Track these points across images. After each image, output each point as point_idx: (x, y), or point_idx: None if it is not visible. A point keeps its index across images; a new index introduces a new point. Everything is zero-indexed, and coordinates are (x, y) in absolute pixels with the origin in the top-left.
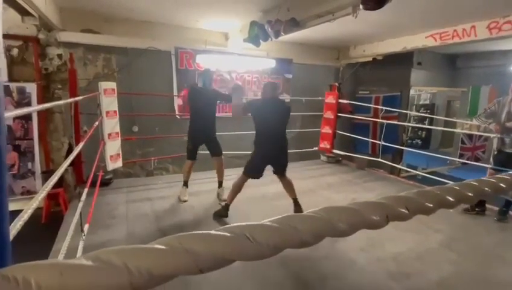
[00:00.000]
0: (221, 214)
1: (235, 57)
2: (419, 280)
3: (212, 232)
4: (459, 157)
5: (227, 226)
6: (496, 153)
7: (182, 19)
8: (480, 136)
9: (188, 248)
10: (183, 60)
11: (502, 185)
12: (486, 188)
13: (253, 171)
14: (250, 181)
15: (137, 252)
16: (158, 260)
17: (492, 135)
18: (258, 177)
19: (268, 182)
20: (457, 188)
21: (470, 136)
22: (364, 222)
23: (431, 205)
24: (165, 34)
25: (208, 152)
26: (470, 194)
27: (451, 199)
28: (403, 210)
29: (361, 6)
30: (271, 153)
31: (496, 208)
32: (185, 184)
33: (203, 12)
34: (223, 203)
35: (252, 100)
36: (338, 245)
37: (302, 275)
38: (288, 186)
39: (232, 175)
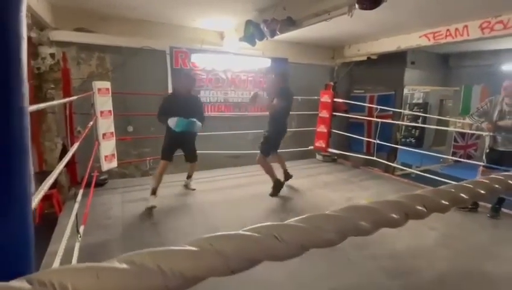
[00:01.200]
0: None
1: (230, 56)
2: (416, 277)
3: (241, 232)
4: (452, 156)
5: (254, 226)
6: (488, 151)
7: (178, 17)
8: (473, 134)
9: (219, 249)
10: (178, 59)
11: (510, 182)
12: (496, 185)
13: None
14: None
15: (169, 254)
16: (190, 261)
17: (484, 134)
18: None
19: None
20: (471, 186)
21: (463, 135)
22: (385, 221)
23: (447, 203)
24: (160, 33)
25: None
26: (482, 191)
27: (465, 196)
28: (421, 208)
29: (356, 6)
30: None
31: (489, 205)
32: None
33: (199, 11)
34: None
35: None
36: None
37: (298, 274)
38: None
39: (229, 174)
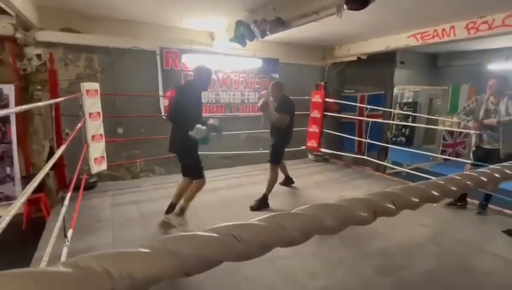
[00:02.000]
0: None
1: (221, 56)
2: (406, 273)
3: (198, 233)
4: (441, 154)
5: (213, 227)
6: (474, 149)
7: (166, 18)
8: (461, 132)
9: (173, 250)
10: (168, 60)
11: (483, 178)
12: (468, 182)
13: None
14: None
15: (118, 256)
16: (141, 263)
17: (471, 132)
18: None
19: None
20: (442, 182)
21: (451, 133)
22: (352, 218)
23: (417, 200)
24: (149, 33)
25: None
26: (453, 188)
27: (435, 193)
28: (390, 205)
29: (345, 7)
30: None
31: (477, 202)
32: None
33: (186, 11)
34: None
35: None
36: (326, 242)
37: (291, 273)
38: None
39: (220, 175)
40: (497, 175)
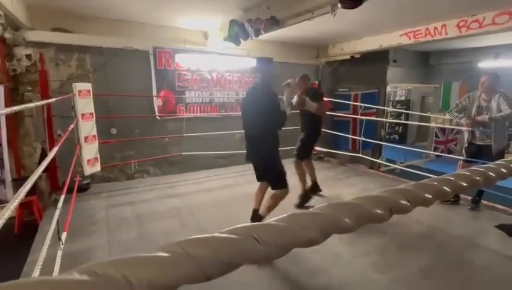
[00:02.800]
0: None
1: (215, 56)
2: (402, 270)
3: (217, 235)
4: (434, 151)
5: (231, 227)
6: (466, 145)
7: (159, 17)
8: (453, 129)
9: (192, 254)
10: (161, 59)
11: (491, 174)
12: (478, 178)
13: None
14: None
15: (136, 261)
16: (160, 268)
17: (464, 129)
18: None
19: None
20: (452, 178)
21: (443, 130)
22: (369, 216)
23: (430, 196)
24: (142, 33)
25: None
26: (464, 184)
27: (447, 189)
28: (405, 202)
29: (339, 5)
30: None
31: (469, 198)
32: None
33: (180, 11)
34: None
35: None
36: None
37: (290, 272)
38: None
39: (216, 175)
40: (504, 170)
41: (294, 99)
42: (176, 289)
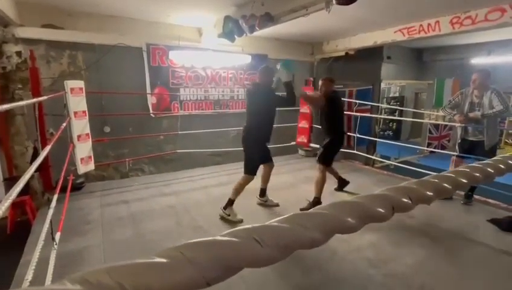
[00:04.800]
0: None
1: (209, 53)
2: (396, 265)
3: (218, 238)
4: (427, 147)
5: (232, 230)
6: (460, 141)
7: (152, 13)
8: (446, 125)
9: (192, 259)
10: (155, 56)
11: (490, 170)
12: (477, 174)
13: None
14: None
15: (132, 268)
16: (158, 275)
17: (457, 125)
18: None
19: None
20: (453, 175)
21: (437, 126)
22: (371, 215)
23: (431, 194)
24: (135, 29)
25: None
26: (463, 180)
27: (448, 186)
28: (407, 200)
29: (334, 1)
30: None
31: (462, 193)
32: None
33: (173, 7)
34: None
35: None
36: None
37: (285, 268)
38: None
39: (210, 172)
40: (502, 166)
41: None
42: None
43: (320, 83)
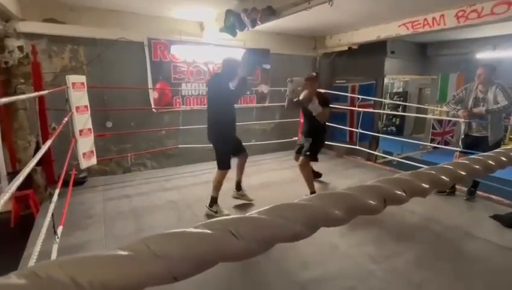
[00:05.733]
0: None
1: (211, 47)
2: (397, 260)
3: (188, 230)
4: (431, 142)
5: (206, 222)
6: (463, 137)
7: (154, 7)
8: (449, 121)
9: (158, 252)
10: (157, 51)
11: (491, 162)
12: (477, 166)
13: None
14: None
15: (88, 261)
16: (119, 269)
17: (461, 120)
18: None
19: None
20: (451, 167)
21: (440, 122)
22: (361, 208)
23: (427, 186)
24: (137, 24)
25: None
26: (462, 172)
27: (445, 178)
28: (400, 193)
29: None
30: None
31: (465, 189)
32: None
33: (175, 1)
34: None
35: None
36: (319, 231)
37: (284, 263)
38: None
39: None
40: (503, 159)
41: (302, 95)
42: None
43: (304, 82)
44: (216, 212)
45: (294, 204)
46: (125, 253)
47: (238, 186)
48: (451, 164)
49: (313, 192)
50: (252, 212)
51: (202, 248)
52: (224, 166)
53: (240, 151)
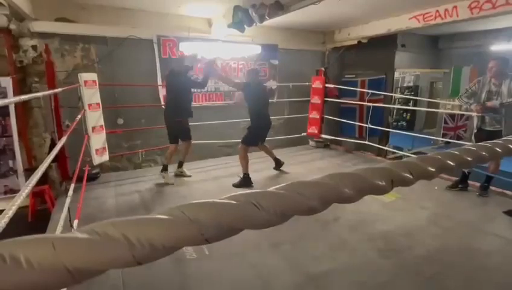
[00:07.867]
0: (246, 185)
1: (219, 44)
2: (407, 255)
3: (217, 200)
4: (442, 137)
5: (231, 195)
6: (476, 131)
7: (163, 4)
8: (462, 115)
9: (192, 217)
10: (166, 48)
11: (497, 149)
12: (483, 153)
13: (253, 142)
14: None
15: (136, 223)
16: (160, 230)
17: (473, 114)
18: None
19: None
20: (457, 153)
21: (452, 116)
22: (370, 187)
23: (433, 170)
24: (146, 21)
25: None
26: (468, 158)
27: (451, 163)
28: (407, 175)
29: None
30: (265, 129)
31: (478, 184)
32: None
33: None
34: (241, 175)
35: (245, 84)
36: (330, 226)
37: (294, 258)
38: (267, 149)
39: (222, 164)
40: (511, 146)
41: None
42: (176, 249)
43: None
44: (164, 177)
45: (309, 182)
46: (165, 217)
47: (180, 164)
48: (459, 149)
49: (246, 174)
50: (272, 188)
51: (229, 216)
52: (171, 141)
53: (184, 138)
